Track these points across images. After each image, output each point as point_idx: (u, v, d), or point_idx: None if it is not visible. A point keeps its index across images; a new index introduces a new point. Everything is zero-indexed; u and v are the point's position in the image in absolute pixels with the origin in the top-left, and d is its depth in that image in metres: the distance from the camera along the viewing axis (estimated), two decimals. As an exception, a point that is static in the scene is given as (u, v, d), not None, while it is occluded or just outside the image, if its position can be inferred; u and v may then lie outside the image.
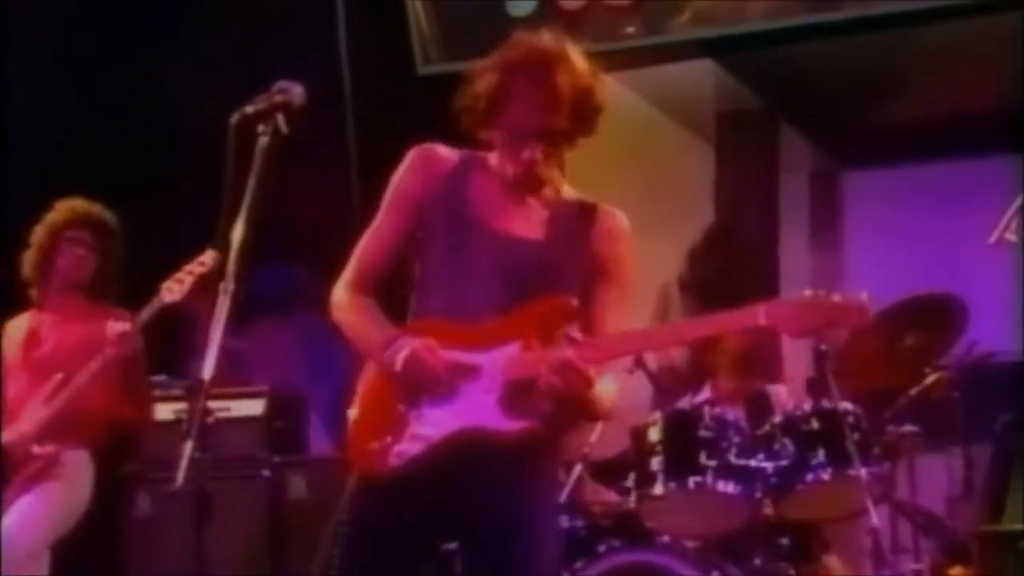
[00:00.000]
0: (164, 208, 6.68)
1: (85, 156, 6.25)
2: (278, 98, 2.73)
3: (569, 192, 2.92)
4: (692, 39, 6.37)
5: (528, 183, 2.83)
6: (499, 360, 2.68)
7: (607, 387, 2.78)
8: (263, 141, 2.68)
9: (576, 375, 2.59)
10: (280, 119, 2.71)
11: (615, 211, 2.89)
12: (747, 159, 7.67)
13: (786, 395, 5.56)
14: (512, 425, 2.66)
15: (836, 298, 2.59)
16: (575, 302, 2.70)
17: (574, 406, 2.65)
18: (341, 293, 2.94)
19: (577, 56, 2.82)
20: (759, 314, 2.59)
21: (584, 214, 2.86)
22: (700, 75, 7.18)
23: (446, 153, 2.93)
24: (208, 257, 4.41)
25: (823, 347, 4.88)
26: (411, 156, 2.94)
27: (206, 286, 4.42)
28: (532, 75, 2.77)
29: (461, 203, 2.85)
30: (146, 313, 4.49)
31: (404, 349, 2.72)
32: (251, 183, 2.67)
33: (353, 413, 2.85)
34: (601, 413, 2.83)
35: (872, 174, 7.88)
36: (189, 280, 4.40)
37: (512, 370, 2.66)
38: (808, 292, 2.60)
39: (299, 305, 6.87)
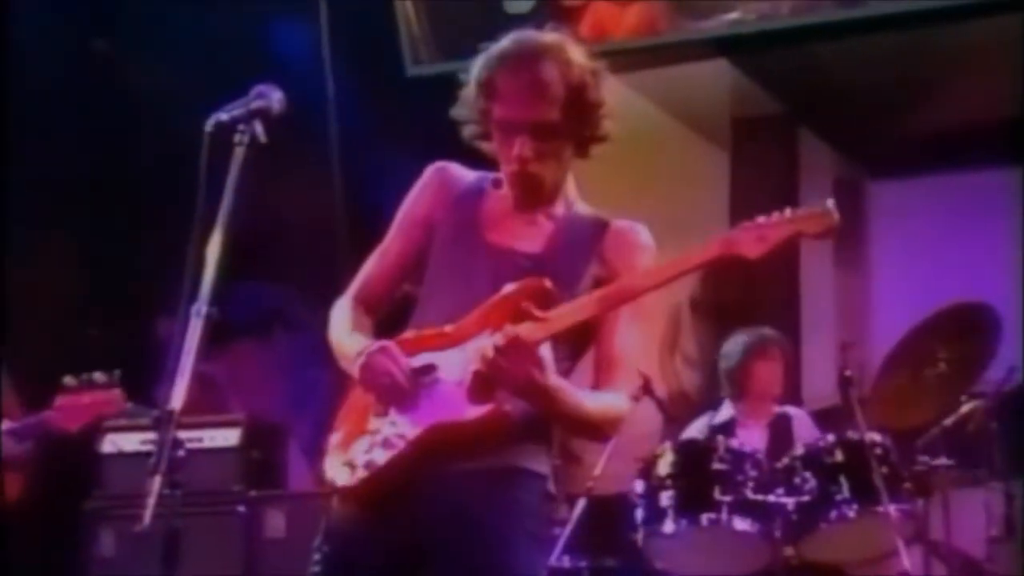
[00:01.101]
0: (132, 223, 6.71)
1: (49, 162, 6.27)
2: (256, 104, 2.73)
3: (583, 208, 2.97)
4: (706, 38, 6.39)
5: (526, 184, 2.87)
6: (469, 352, 2.74)
7: (604, 401, 2.81)
8: (240, 150, 2.69)
9: (517, 353, 2.62)
10: (258, 127, 2.71)
11: (633, 224, 2.94)
12: (764, 167, 7.68)
13: (808, 422, 5.58)
14: (472, 412, 2.71)
15: (798, 209, 2.65)
16: (548, 283, 2.73)
17: (524, 390, 2.66)
18: (335, 310, 3.01)
19: (572, 48, 2.86)
20: (715, 244, 2.65)
21: (594, 228, 2.91)
22: (714, 77, 7.20)
23: (460, 173, 3.01)
24: (113, 393, 4.40)
25: (848, 372, 4.89)
26: (424, 176, 3.03)
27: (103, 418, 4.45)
28: (517, 66, 2.82)
29: (466, 220, 2.92)
30: (21, 422, 4.47)
31: (362, 356, 2.79)
32: (227, 195, 2.67)
33: (334, 436, 2.91)
34: (584, 423, 2.82)
35: (900, 183, 7.90)
36: (85, 409, 4.39)
37: (478, 359, 2.70)
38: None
39: (278, 327, 6.88)
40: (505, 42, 2.88)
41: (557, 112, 2.80)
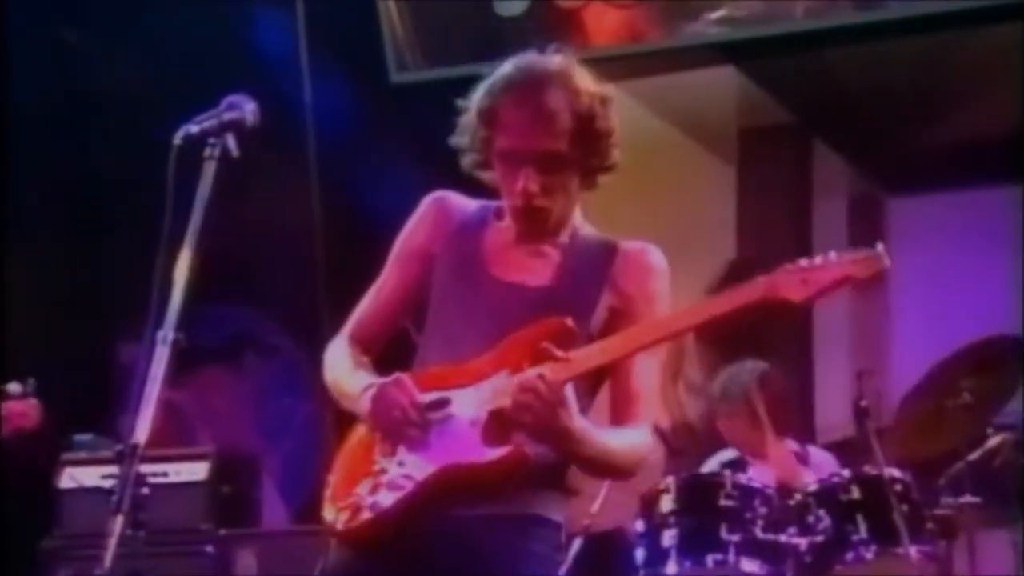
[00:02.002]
0: (92, 242, 6.71)
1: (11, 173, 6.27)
2: (227, 116, 2.74)
3: (589, 232, 3.00)
4: (712, 43, 6.41)
5: (532, 219, 2.89)
6: (486, 391, 2.76)
7: (628, 438, 2.83)
8: (210, 164, 2.69)
9: (538, 395, 2.64)
10: (229, 140, 2.72)
11: (644, 246, 2.96)
12: (774, 183, 7.70)
13: (830, 460, 5.57)
14: (490, 455, 2.72)
15: (844, 253, 2.68)
16: (570, 322, 2.76)
17: (548, 432, 2.68)
18: (330, 349, 3.03)
19: (580, 74, 2.89)
20: (759, 286, 2.68)
21: (603, 253, 2.93)
22: (720, 84, 7.21)
23: (460, 203, 3.04)
24: (28, 404, 4.38)
25: (864, 402, 4.89)
26: (422, 206, 3.06)
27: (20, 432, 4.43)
28: (521, 93, 2.84)
29: (469, 254, 2.95)
30: None
31: (372, 389, 2.81)
32: (195, 212, 2.68)
33: (331, 478, 2.92)
34: (609, 465, 2.85)
35: (920, 199, 7.92)
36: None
37: (495, 399, 2.73)
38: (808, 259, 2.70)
39: (250, 353, 6.87)
40: (508, 67, 2.91)
41: (564, 143, 2.83)
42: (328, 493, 2.89)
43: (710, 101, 7.40)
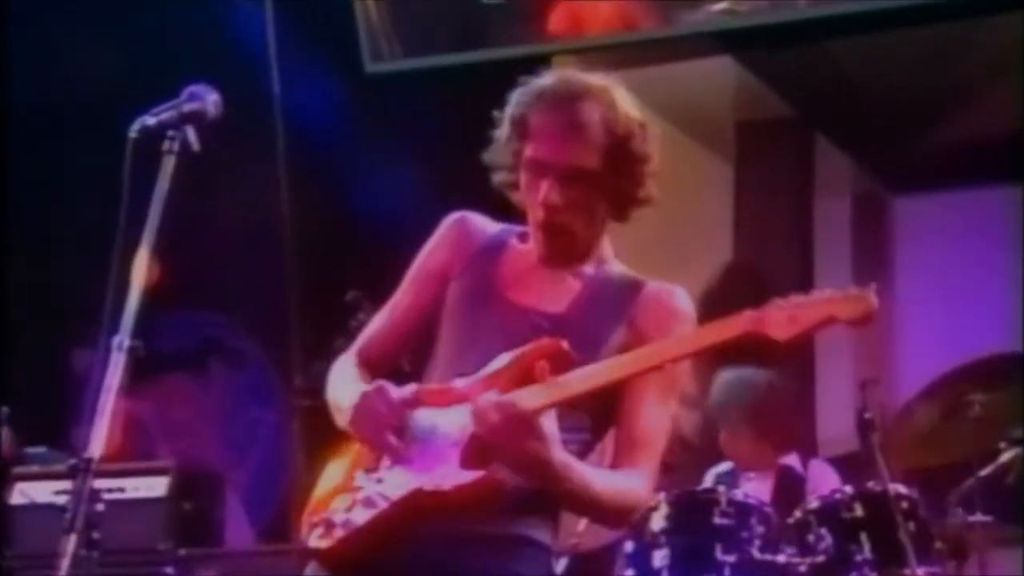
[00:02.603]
0: (42, 241, 6.68)
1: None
2: (188, 107, 2.74)
3: (616, 267, 3.03)
4: (708, 31, 6.42)
5: (553, 236, 2.91)
6: (471, 412, 2.77)
7: (619, 482, 2.83)
8: (169, 159, 2.68)
9: (510, 421, 2.65)
10: (190, 133, 2.71)
11: (670, 288, 2.99)
12: (774, 180, 7.71)
13: (829, 472, 5.58)
14: (457, 480, 2.73)
15: (833, 291, 2.71)
16: (565, 345, 2.77)
17: (520, 461, 2.69)
18: (336, 367, 3.07)
19: (621, 95, 2.93)
20: (743, 320, 2.70)
21: (626, 289, 2.96)
22: (717, 76, 7.22)
23: (481, 224, 3.09)
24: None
25: (868, 414, 4.90)
26: (442, 227, 3.10)
27: None
28: (555, 102, 2.89)
29: (487, 277, 2.98)
30: None
31: (357, 398, 2.85)
32: (153, 209, 2.67)
33: (316, 491, 2.96)
34: (591, 506, 2.84)
35: (928, 199, 7.94)
36: None
37: (475, 421, 2.75)
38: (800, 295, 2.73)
39: (214, 360, 6.86)
40: (546, 78, 2.96)
41: (594, 159, 2.87)
42: (308, 507, 2.93)
43: (706, 93, 7.40)
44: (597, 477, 2.80)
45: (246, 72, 6.26)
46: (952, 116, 7.34)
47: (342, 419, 2.91)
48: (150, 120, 2.71)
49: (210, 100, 2.78)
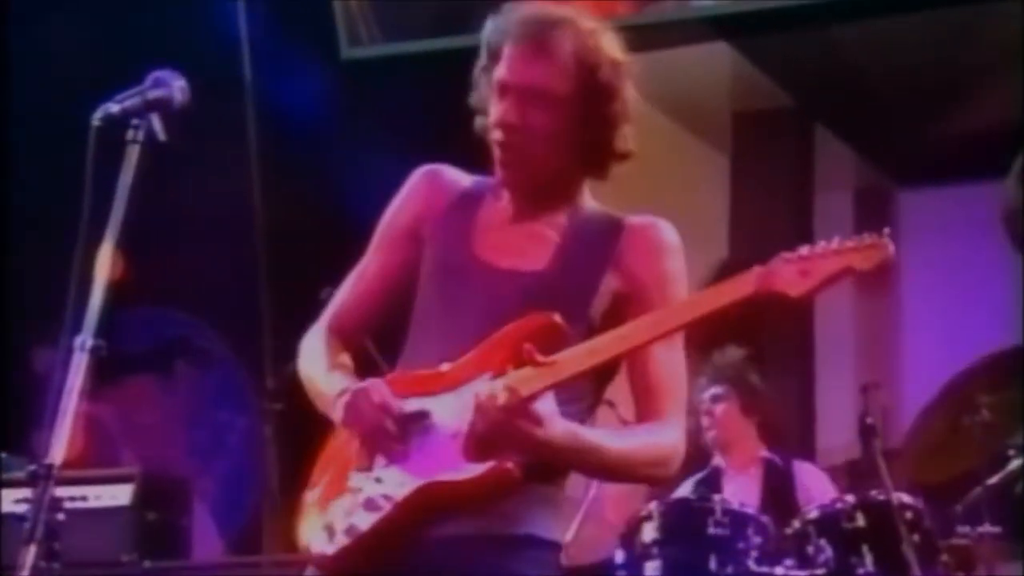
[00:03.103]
0: (5, 231, 6.66)
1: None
2: (152, 93, 2.72)
3: (593, 207, 3.01)
4: (701, 16, 6.43)
5: (507, 160, 2.89)
6: (467, 398, 2.76)
7: (644, 437, 2.83)
8: (133, 149, 2.68)
9: (505, 414, 2.65)
10: (155, 121, 2.71)
11: (653, 220, 2.97)
12: (772, 174, 7.72)
13: (824, 480, 5.60)
14: (470, 471, 2.72)
15: (843, 240, 2.68)
16: (557, 318, 2.75)
17: (526, 449, 2.69)
18: (306, 340, 3.04)
19: (601, 30, 2.91)
20: (752, 277, 2.67)
21: (606, 230, 2.93)
22: (711, 64, 7.24)
23: (454, 177, 3.05)
24: None
25: (870, 419, 4.92)
26: (410, 180, 3.07)
27: None
28: (527, 27, 2.89)
29: (459, 236, 2.95)
30: None
31: (346, 396, 2.81)
32: (118, 202, 2.66)
33: (310, 493, 2.93)
34: (624, 470, 2.85)
35: (933, 193, 7.95)
36: None
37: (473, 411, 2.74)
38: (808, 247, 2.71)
39: (181, 361, 6.85)
40: (521, 8, 2.95)
41: (561, 85, 2.85)
42: (305, 510, 2.91)
43: (700, 82, 7.42)
44: (612, 439, 2.80)
45: (215, 56, 6.24)
46: (959, 105, 7.35)
47: (322, 406, 2.90)
48: (114, 107, 2.70)
49: (176, 86, 2.77)
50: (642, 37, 6.93)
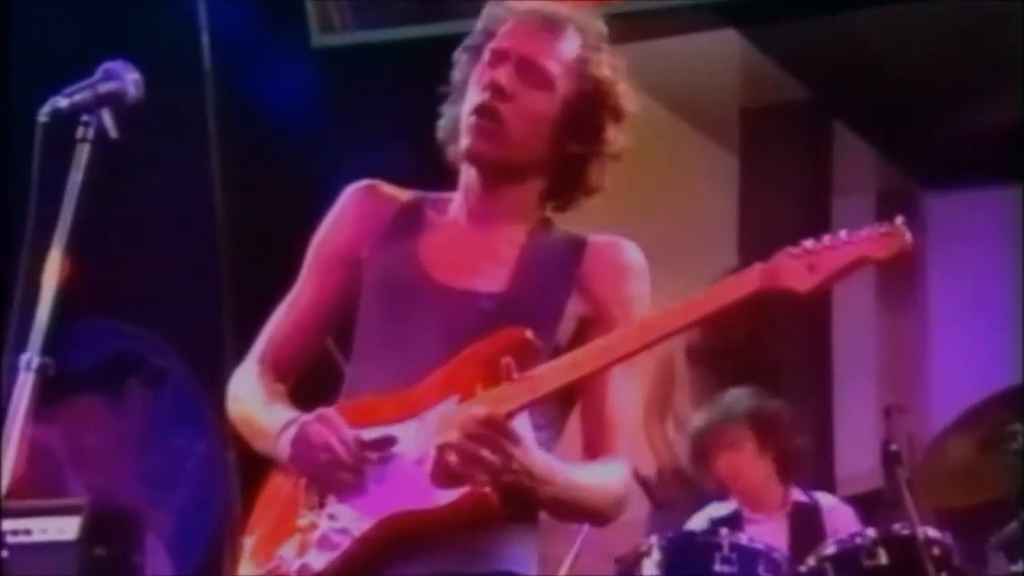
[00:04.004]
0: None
1: None
2: (104, 87, 2.72)
3: (555, 227, 3.04)
4: (708, 1, 6.45)
5: (483, 129, 2.90)
6: (432, 423, 2.78)
7: (603, 475, 2.87)
8: (83, 147, 2.69)
9: (488, 432, 2.67)
10: (107, 117, 2.72)
11: (616, 241, 3.02)
12: (785, 175, 7.74)
13: (849, 515, 5.61)
14: (444, 498, 2.74)
15: (853, 231, 2.71)
16: (529, 334, 2.78)
17: (504, 474, 2.70)
18: (236, 378, 3.05)
19: (616, 55, 2.98)
20: (754, 275, 2.70)
21: (568, 250, 2.98)
22: (719, 53, 7.26)
23: (390, 193, 3.07)
24: None
25: (894, 446, 4.93)
26: (342, 199, 3.08)
27: None
28: (531, 19, 2.94)
29: (405, 256, 2.96)
30: None
31: (293, 428, 2.82)
32: (66, 206, 2.67)
33: (248, 539, 2.94)
34: (581, 507, 2.88)
35: (963, 197, 7.97)
36: None
37: (444, 431, 2.75)
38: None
39: (134, 380, 6.84)
40: (495, 9, 3.01)
41: (561, 73, 2.91)
42: (245, 558, 2.91)
43: (706, 74, 7.44)
44: (579, 473, 2.83)
45: (172, 45, 6.25)
46: (994, 100, 7.35)
47: (263, 445, 2.92)
48: (62, 102, 2.70)
49: (129, 79, 2.77)
50: (642, 25, 7.05)
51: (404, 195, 3.06)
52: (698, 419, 5.70)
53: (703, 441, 5.63)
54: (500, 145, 2.93)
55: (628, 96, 2.98)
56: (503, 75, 2.90)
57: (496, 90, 2.90)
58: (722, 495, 5.68)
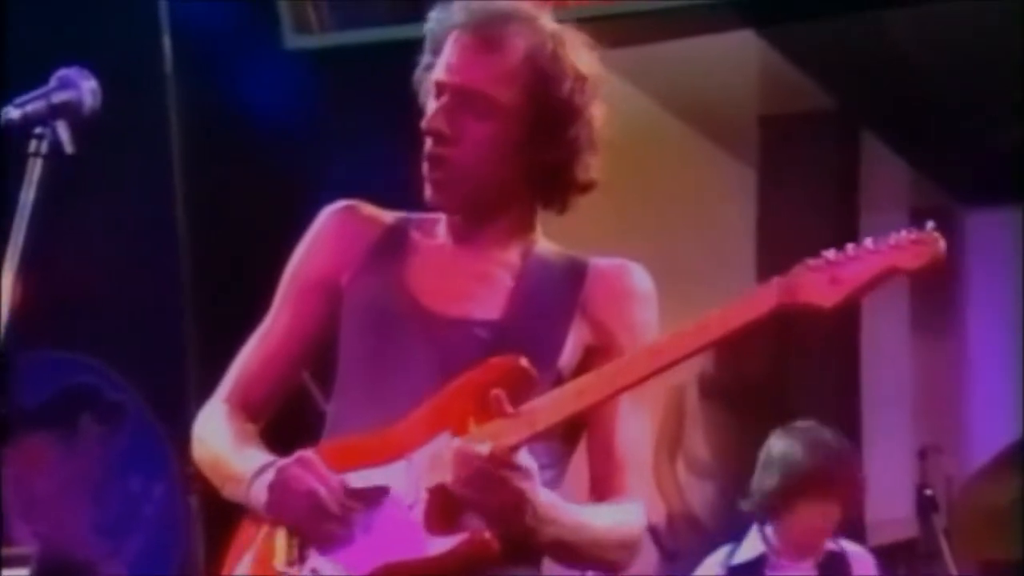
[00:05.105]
0: None
1: None
2: (58, 96, 2.75)
3: (548, 247, 3.05)
4: (724, 1, 6.47)
5: (433, 176, 2.92)
6: (422, 463, 2.78)
7: (614, 516, 2.86)
8: (36, 162, 2.70)
9: (493, 468, 2.67)
10: (62, 129, 2.73)
11: (621, 264, 3.04)
12: (808, 189, 7.75)
13: (870, 565, 5.62)
14: (440, 545, 2.73)
15: (879, 240, 2.65)
16: (524, 362, 2.78)
17: (504, 514, 2.71)
18: (202, 419, 3.05)
19: (569, 35, 2.95)
20: (772, 290, 2.69)
21: (569, 274, 2.99)
22: (736, 58, 7.28)
23: (371, 214, 3.08)
24: None
25: (929, 491, 4.95)
26: (320, 221, 3.09)
27: None
28: (473, 23, 2.92)
29: (391, 282, 2.97)
30: None
31: (269, 473, 2.82)
32: (18, 224, 2.68)
33: None
34: (589, 552, 2.87)
35: (1006, 213, 7.97)
36: None
37: (437, 471, 2.75)
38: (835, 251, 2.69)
39: (87, 416, 6.84)
40: (449, 10, 2.98)
41: (508, 91, 2.89)
42: None
43: (720, 78, 7.45)
44: (588, 514, 2.84)
45: (132, 50, 6.27)
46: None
47: (233, 491, 2.91)
48: (13, 112, 2.72)
49: (86, 88, 2.79)
50: (651, 26, 7.07)
51: (387, 217, 3.07)
52: (796, 446, 5.52)
53: (792, 477, 5.48)
54: (457, 190, 2.94)
55: (595, 82, 2.96)
56: (442, 118, 2.89)
57: (437, 137, 2.90)
58: (737, 535, 5.69)
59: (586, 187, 2.98)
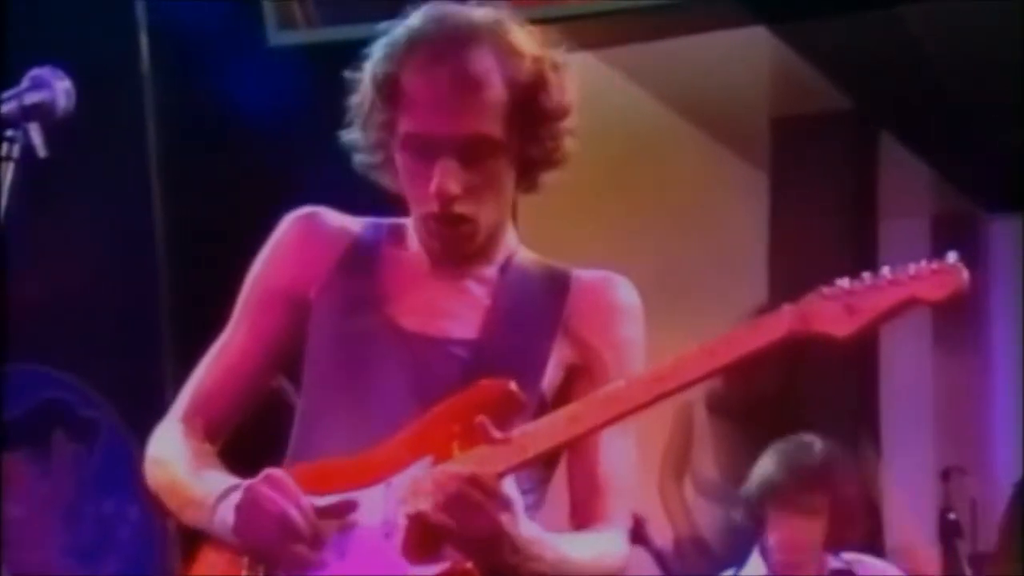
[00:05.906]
0: None
1: None
2: (30, 97, 2.76)
3: (528, 257, 3.05)
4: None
5: (451, 234, 2.91)
6: (401, 489, 2.78)
7: (596, 546, 2.87)
8: (7, 166, 2.72)
9: (475, 496, 2.67)
10: (34, 132, 2.75)
11: (606, 276, 3.04)
12: (823, 194, 7.76)
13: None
14: (423, 573, 2.74)
15: (903, 268, 2.66)
16: (513, 386, 2.78)
17: (483, 544, 2.71)
18: (156, 440, 3.05)
19: (519, 32, 2.93)
20: (784, 317, 2.69)
21: (550, 287, 2.99)
22: (746, 55, 7.30)
23: (339, 222, 3.06)
24: None
25: (952, 515, 4.96)
26: (283, 229, 3.08)
27: None
28: (435, 53, 2.87)
29: (362, 296, 2.96)
30: None
31: (236, 494, 2.81)
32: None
33: None
34: None
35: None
36: None
37: (416, 497, 2.74)
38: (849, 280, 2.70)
39: (59, 434, 6.86)
40: (416, 20, 2.93)
41: (497, 124, 2.87)
42: None
43: (733, 80, 7.47)
44: (571, 546, 2.83)
45: (108, 49, 6.29)
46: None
47: (194, 516, 2.90)
48: (-15, 114, 2.75)
49: (60, 88, 2.80)
50: (657, 23, 7.11)
51: (354, 225, 3.05)
52: (767, 462, 5.61)
53: (763, 492, 5.55)
54: (478, 239, 2.94)
55: (567, 78, 2.94)
56: (450, 179, 2.85)
57: (448, 200, 2.86)
58: (740, 559, 5.71)
59: (559, 163, 2.97)
